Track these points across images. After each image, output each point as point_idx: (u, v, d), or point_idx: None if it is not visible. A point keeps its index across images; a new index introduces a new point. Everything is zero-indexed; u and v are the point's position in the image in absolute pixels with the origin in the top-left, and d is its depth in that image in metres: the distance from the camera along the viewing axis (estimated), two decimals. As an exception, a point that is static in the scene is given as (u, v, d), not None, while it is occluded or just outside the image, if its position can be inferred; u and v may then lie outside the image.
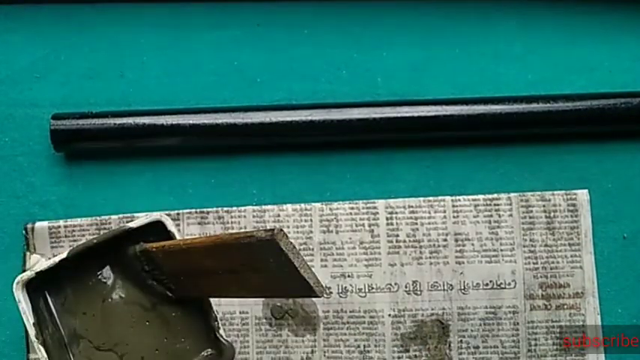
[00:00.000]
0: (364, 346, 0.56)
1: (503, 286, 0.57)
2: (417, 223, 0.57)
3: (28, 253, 0.56)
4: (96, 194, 0.57)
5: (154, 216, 0.50)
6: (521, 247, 0.57)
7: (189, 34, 0.60)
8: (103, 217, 0.56)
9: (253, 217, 0.57)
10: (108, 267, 0.52)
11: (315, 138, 0.58)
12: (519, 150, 0.59)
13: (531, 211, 0.58)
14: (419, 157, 0.59)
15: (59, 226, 0.56)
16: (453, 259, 0.57)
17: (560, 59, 0.60)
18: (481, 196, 0.58)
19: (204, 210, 0.57)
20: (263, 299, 0.56)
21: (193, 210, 0.57)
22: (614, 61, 0.60)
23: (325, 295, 0.40)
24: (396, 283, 0.56)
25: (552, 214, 0.58)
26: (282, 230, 0.40)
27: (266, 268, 0.42)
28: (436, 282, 0.57)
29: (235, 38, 0.60)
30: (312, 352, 0.56)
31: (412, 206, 0.57)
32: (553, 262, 0.57)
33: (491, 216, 0.57)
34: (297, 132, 0.57)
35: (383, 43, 0.60)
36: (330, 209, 0.57)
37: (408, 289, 0.56)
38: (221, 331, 0.50)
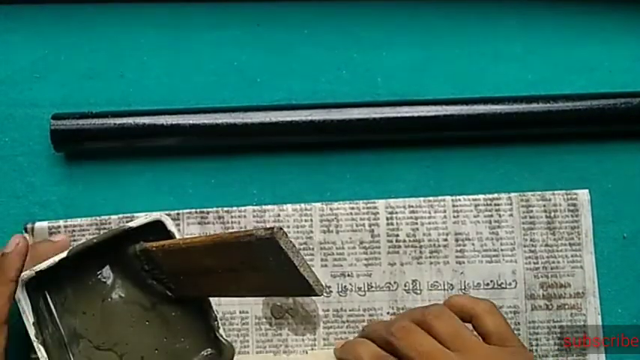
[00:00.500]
0: (364, 345, 0.56)
1: (503, 286, 0.57)
2: (417, 223, 0.57)
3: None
4: (96, 194, 0.57)
5: (154, 216, 0.50)
6: (521, 246, 0.57)
7: (189, 34, 0.60)
8: (103, 217, 0.56)
9: (253, 217, 0.57)
10: (108, 267, 0.52)
11: (315, 138, 0.58)
12: (519, 150, 0.59)
13: (532, 211, 0.58)
14: (419, 157, 0.59)
15: (59, 226, 0.56)
16: (453, 258, 0.57)
17: (560, 59, 0.60)
18: (481, 196, 0.58)
19: (204, 210, 0.57)
20: (263, 298, 0.56)
21: (193, 210, 0.57)
22: (614, 61, 0.60)
23: (325, 294, 0.41)
24: (395, 282, 0.56)
25: (553, 214, 0.57)
26: (281, 229, 0.40)
27: (265, 267, 0.42)
28: (436, 281, 0.57)
29: (235, 38, 0.60)
30: (312, 350, 0.56)
31: (412, 206, 0.57)
32: (554, 262, 0.57)
33: (491, 216, 0.57)
34: (297, 132, 0.57)
35: (383, 43, 0.60)
36: (331, 209, 0.57)
37: (407, 288, 0.56)
38: (221, 331, 0.50)
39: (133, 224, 0.49)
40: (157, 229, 0.50)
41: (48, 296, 0.51)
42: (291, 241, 0.40)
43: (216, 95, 0.59)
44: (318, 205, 0.57)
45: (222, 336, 0.50)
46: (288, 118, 0.57)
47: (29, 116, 0.58)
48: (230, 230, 0.57)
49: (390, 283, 0.57)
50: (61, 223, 0.56)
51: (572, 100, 0.57)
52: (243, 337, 0.56)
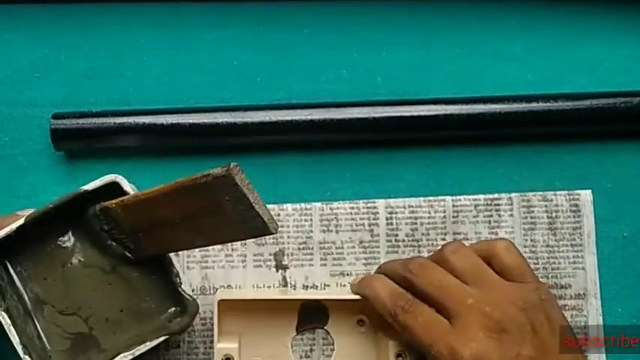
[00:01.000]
0: (364, 345, 0.56)
1: (502, 285, 0.56)
2: (416, 223, 0.57)
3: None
4: (96, 194, 0.57)
5: (109, 177, 0.49)
6: (521, 247, 0.57)
7: (189, 34, 0.60)
8: (102, 216, 0.56)
9: (253, 217, 0.57)
10: (68, 232, 0.52)
11: (315, 138, 0.58)
12: (519, 150, 0.59)
13: (533, 212, 0.57)
14: (419, 157, 0.59)
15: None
16: (452, 258, 0.57)
17: (560, 59, 0.60)
18: (482, 196, 0.57)
19: (204, 210, 0.57)
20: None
21: (193, 210, 0.57)
22: (614, 61, 0.60)
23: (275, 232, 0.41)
24: (394, 281, 0.56)
25: (554, 215, 0.57)
26: (237, 165, 0.40)
27: (222, 209, 0.42)
28: (435, 281, 0.56)
29: (235, 38, 0.60)
30: (311, 350, 0.56)
31: (412, 206, 0.57)
32: (555, 263, 0.57)
33: (491, 216, 0.57)
34: (297, 132, 0.57)
35: (383, 43, 0.60)
36: (331, 209, 0.57)
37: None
38: (184, 286, 0.49)
39: (88, 187, 0.49)
40: (115, 192, 0.49)
41: (9, 265, 0.51)
42: (246, 178, 0.41)
43: (216, 95, 0.59)
44: (318, 204, 0.57)
45: (184, 291, 0.49)
46: (288, 118, 0.57)
47: (29, 116, 0.58)
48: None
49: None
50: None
51: (572, 100, 0.57)
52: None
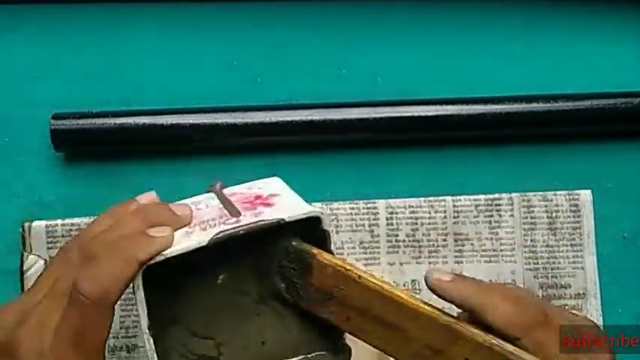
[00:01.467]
0: (364, 346, 0.56)
1: (502, 285, 0.56)
2: (417, 223, 0.57)
3: (25, 254, 0.56)
4: (96, 194, 0.57)
5: (312, 210, 0.44)
6: (521, 247, 0.57)
7: (189, 34, 0.60)
8: (101, 216, 0.56)
9: (253, 217, 0.57)
10: (225, 251, 0.45)
11: (316, 138, 0.58)
12: (519, 150, 0.59)
13: (533, 212, 0.57)
14: (419, 157, 0.59)
15: (56, 225, 0.56)
16: (452, 258, 0.57)
17: (560, 59, 0.60)
18: (482, 196, 0.58)
19: (204, 210, 0.57)
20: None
21: (193, 210, 0.57)
22: (614, 61, 0.60)
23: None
24: (394, 282, 0.56)
25: (554, 215, 0.57)
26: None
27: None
28: (435, 281, 0.57)
29: (235, 38, 0.60)
30: (311, 351, 0.56)
31: (412, 206, 0.57)
32: (554, 263, 0.57)
33: (491, 216, 0.57)
34: (298, 132, 0.57)
35: (383, 43, 0.60)
36: (331, 209, 0.57)
37: (406, 288, 0.56)
38: (345, 334, 0.45)
39: (287, 218, 0.43)
40: (309, 225, 0.44)
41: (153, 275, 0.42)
42: None
43: (216, 95, 0.59)
44: (318, 205, 0.57)
45: (345, 338, 0.45)
46: (288, 118, 0.57)
47: (29, 116, 0.58)
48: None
49: (389, 283, 0.56)
50: (59, 222, 0.56)
51: (572, 100, 0.57)
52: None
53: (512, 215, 0.57)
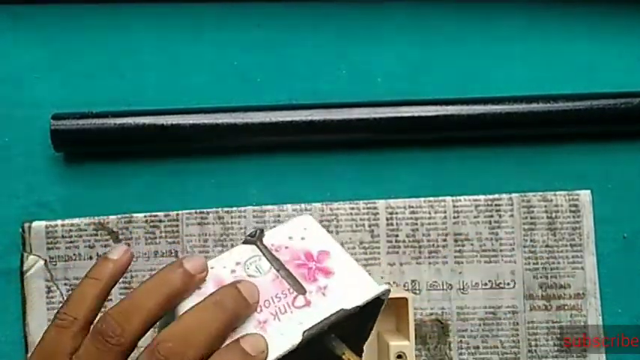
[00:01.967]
0: (364, 346, 0.56)
1: (502, 286, 0.57)
2: (417, 224, 0.57)
3: (25, 254, 0.56)
4: (95, 194, 0.58)
5: (384, 288, 0.41)
6: (521, 247, 0.57)
7: (189, 34, 0.60)
8: (101, 217, 0.56)
9: (253, 217, 0.57)
10: None
11: (315, 138, 0.58)
12: (519, 150, 0.59)
13: (533, 212, 0.57)
14: (419, 157, 0.59)
15: (56, 225, 0.56)
16: (452, 258, 0.57)
17: (560, 59, 0.60)
18: (482, 197, 0.58)
19: (204, 210, 0.57)
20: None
21: (193, 210, 0.57)
22: (614, 61, 0.60)
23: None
24: (394, 282, 0.56)
25: (554, 215, 0.57)
26: None
27: None
28: (435, 281, 0.57)
29: (235, 38, 0.60)
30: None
31: (412, 206, 0.57)
32: (554, 263, 0.57)
33: (491, 216, 0.57)
34: (297, 132, 0.57)
35: (383, 43, 0.60)
36: (331, 209, 0.57)
37: (406, 288, 0.56)
38: None
39: (359, 302, 0.40)
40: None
41: None
42: None
43: (216, 95, 0.59)
44: (318, 205, 0.57)
45: None
46: (288, 118, 0.57)
47: (29, 116, 0.58)
48: (230, 230, 0.57)
49: (389, 283, 0.56)
50: (59, 222, 0.56)
51: (572, 100, 0.57)
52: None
53: (512, 215, 0.57)
